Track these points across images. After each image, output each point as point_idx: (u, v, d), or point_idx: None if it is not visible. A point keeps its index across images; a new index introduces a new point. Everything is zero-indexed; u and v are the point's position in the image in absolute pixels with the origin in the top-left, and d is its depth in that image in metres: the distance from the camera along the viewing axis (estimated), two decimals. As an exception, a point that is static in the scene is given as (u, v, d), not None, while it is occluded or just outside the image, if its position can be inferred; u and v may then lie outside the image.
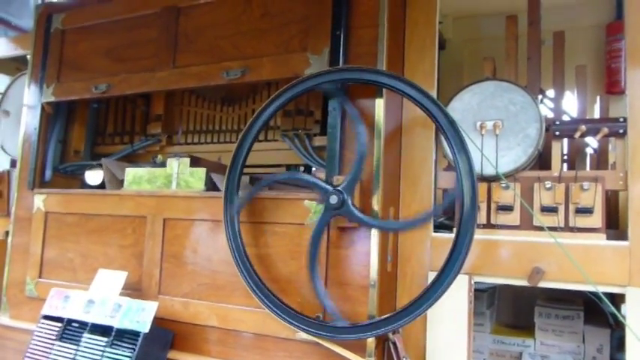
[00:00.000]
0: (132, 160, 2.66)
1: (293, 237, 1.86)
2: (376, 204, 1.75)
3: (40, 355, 1.99)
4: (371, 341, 1.72)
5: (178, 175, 2.13)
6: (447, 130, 1.63)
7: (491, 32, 2.99)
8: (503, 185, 1.92)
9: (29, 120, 2.61)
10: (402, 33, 2.02)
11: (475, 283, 1.91)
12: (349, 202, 1.70)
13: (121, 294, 2.04)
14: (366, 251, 1.76)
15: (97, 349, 1.91)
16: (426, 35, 2.00)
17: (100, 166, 2.63)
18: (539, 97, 2.35)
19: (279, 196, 1.90)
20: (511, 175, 1.94)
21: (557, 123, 2.03)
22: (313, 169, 2.35)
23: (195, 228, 2.07)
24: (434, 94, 1.90)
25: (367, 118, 1.80)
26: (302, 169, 2.47)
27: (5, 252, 2.57)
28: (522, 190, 1.92)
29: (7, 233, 2.74)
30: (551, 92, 2.46)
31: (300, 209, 1.85)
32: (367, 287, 1.74)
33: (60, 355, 1.96)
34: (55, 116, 2.65)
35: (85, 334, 1.96)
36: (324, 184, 1.76)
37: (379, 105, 1.79)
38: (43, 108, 2.58)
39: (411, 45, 2.00)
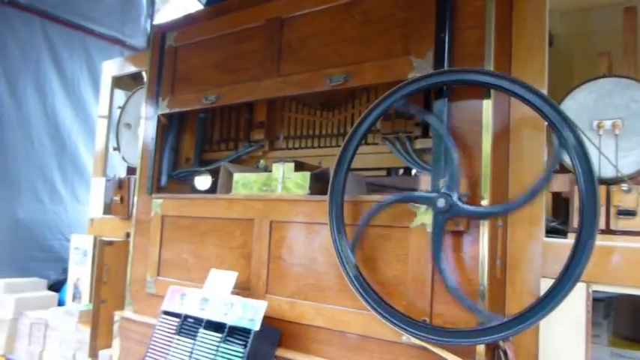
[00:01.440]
0: (236, 165, 2.79)
1: (399, 240, 1.86)
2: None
3: (162, 346, 2.16)
4: (481, 348, 1.67)
5: (283, 179, 2.22)
6: (565, 132, 1.55)
7: (602, 26, 2.80)
8: (625, 188, 1.79)
9: (147, 131, 2.83)
10: (509, 31, 1.95)
11: (592, 292, 1.80)
12: (456, 199, 1.68)
13: (232, 293, 2.16)
14: (475, 256, 1.72)
15: (212, 344, 2.03)
16: (534, 32, 1.92)
17: (208, 172, 2.81)
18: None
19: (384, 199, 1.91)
20: (633, 178, 1.81)
21: (688, 120, 1.86)
22: (413, 171, 2.35)
23: (300, 230, 2.13)
24: (545, 93, 1.82)
25: (475, 119, 1.76)
26: (401, 171, 2.47)
27: (127, 252, 2.82)
28: (646, 193, 1.78)
29: (127, 234, 3.01)
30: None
31: (406, 212, 1.84)
32: (477, 293, 1.70)
33: (179, 348, 2.11)
34: (169, 126, 2.85)
35: (201, 330, 2.10)
36: (427, 194, 1.75)
37: (487, 106, 1.74)
38: (159, 119, 2.78)
39: (519, 43, 1.93)
